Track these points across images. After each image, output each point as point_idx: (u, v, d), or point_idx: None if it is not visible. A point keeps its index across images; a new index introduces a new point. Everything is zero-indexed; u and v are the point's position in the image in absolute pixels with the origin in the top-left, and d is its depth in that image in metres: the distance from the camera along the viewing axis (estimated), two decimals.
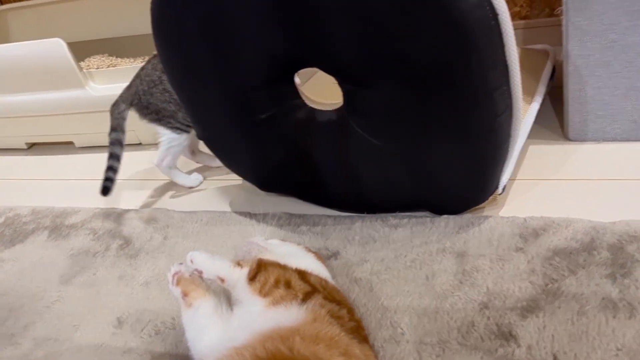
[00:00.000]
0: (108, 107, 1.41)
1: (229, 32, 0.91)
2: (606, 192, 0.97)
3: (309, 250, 0.85)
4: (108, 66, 1.74)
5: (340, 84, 0.90)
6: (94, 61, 1.81)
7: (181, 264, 0.78)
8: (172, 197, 1.28)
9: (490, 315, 0.76)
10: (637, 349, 0.67)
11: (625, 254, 0.80)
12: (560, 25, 1.07)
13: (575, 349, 0.69)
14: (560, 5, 1.03)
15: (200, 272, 0.76)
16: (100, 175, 1.22)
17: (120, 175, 1.24)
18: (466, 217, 0.96)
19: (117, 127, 1.23)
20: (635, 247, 0.81)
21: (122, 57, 1.82)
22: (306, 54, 0.89)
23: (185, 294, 0.75)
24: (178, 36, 0.97)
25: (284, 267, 0.75)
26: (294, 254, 0.82)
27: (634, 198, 0.94)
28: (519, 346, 0.71)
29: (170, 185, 1.32)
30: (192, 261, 0.76)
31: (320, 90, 1.07)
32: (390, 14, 0.75)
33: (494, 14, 0.72)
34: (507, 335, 0.72)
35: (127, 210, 1.22)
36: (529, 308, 0.76)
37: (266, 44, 0.90)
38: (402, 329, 0.77)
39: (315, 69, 0.93)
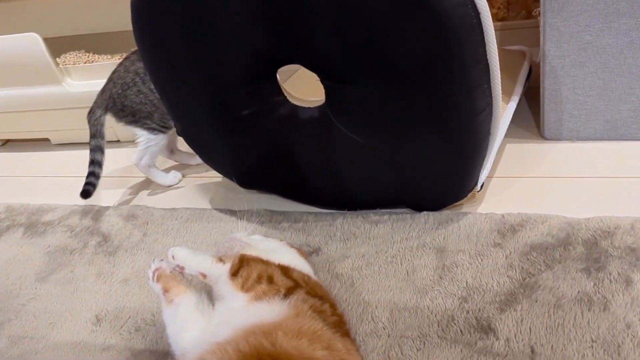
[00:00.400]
0: (85, 104, 1.39)
1: (211, 28, 0.91)
2: (580, 190, 0.99)
3: (292, 246, 0.85)
4: (85, 63, 1.71)
5: (323, 80, 0.90)
6: (70, 57, 1.77)
7: (162, 260, 0.78)
8: (151, 194, 1.27)
9: (470, 309, 0.77)
10: (611, 340, 0.69)
11: (599, 249, 0.82)
12: (536, 27, 1.09)
13: (552, 341, 0.70)
14: (537, 6, 1.05)
15: (182, 268, 0.76)
16: (77, 172, 1.21)
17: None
18: (445, 213, 0.97)
19: (96, 134, 1.22)
20: (609, 242, 0.83)
21: (99, 53, 1.79)
22: (289, 51, 0.89)
23: (166, 290, 0.75)
24: (159, 32, 0.96)
25: (266, 263, 0.75)
26: (276, 249, 0.82)
27: (607, 195, 0.96)
28: (497, 339, 0.72)
29: (149, 183, 1.31)
30: (173, 257, 0.76)
31: (302, 87, 1.07)
32: (374, 11, 0.76)
33: (475, 13, 0.74)
34: (486, 329, 0.74)
35: (106, 207, 1.20)
36: (507, 302, 0.77)
37: (249, 41, 0.90)
38: (383, 323, 0.78)
39: (297, 66, 0.93)
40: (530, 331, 0.72)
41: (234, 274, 0.73)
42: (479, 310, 0.77)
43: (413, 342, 0.74)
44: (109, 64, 1.48)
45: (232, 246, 0.81)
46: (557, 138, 1.15)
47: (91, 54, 1.76)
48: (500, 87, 0.82)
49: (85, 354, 0.82)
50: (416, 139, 0.88)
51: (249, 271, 0.73)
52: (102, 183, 1.25)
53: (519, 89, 1.16)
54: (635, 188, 0.96)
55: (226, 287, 0.72)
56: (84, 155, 1.23)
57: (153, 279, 0.77)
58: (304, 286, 0.73)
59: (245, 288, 0.71)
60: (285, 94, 0.99)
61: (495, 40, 0.77)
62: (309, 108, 0.97)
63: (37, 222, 1.19)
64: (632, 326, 0.70)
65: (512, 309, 0.76)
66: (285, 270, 0.75)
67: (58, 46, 1.73)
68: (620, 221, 0.86)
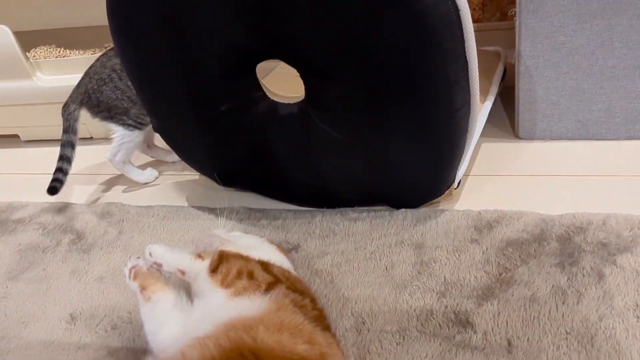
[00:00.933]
0: (56, 99, 1.36)
1: (189, 21, 0.90)
2: (554, 187, 1.02)
3: (271, 242, 0.85)
4: (56, 57, 1.68)
5: (303, 76, 0.90)
6: (40, 52, 1.73)
7: (138, 258, 0.77)
8: (126, 191, 1.25)
9: (448, 303, 0.78)
10: (585, 332, 0.70)
11: (572, 244, 0.84)
12: (510, 29, 1.12)
13: (528, 334, 0.72)
14: (512, 8, 1.07)
15: (160, 265, 0.75)
16: (48, 169, 1.18)
17: (72, 170, 1.20)
18: (423, 210, 0.98)
19: (68, 129, 1.19)
20: (582, 237, 0.85)
21: (70, 48, 1.76)
22: (269, 45, 0.89)
23: (143, 288, 0.74)
24: (135, 25, 0.95)
25: (246, 259, 0.75)
26: (256, 246, 0.82)
27: (579, 192, 0.99)
28: (475, 332, 0.73)
29: (124, 180, 1.28)
30: (150, 254, 0.75)
31: (280, 84, 1.07)
32: (355, 7, 0.76)
33: (455, 9, 0.75)
34: (464, 322, 0.75)
35: (79, 205, 1.18)
36: (484, 296, 0.78)
37: (227, 35, 0.89)
38: (363, 318, 0.78)
39: (274, 64, 0.93)
40: (507, 324, 0.73)
41: (214, 270, 0.72)
42: (457, 304, 0.78)
43: (393, 336, 0.75)
44: (80, 59, 1.46)
45: (211, 242, 0.80)
46: (531, 137, 1.17)
47: (62, 49, 1.72)
48: (478, 84, 0.84)
49: (59, 353, 0.80)
50: (395, 136, 0.89)
51: (228, 267, 0.72)
52: (75, 180, 1.23)
53: (494, 89, 1.18)
54: (605, 185, 0.99)
55: (205, 284, 0.72)
56: (55, 152, 1.20)
57: (130, 277, 0.75)
58: (285, 281, 0.72)
59: (225, 284, 0.71)
60: (264, 90, 0.99)
61: (474, 38, 0.79)
62: (289, 104, 0.97)
63: (7, 220, 1.16)
64: (604, 318, 0.72)
65: (489, 303, 0.77)
66: (265, 265, 0.74)
67: (28, 40, 1.68)
68: (593, 217, 0.88)
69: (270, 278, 0.72)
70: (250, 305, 0.67)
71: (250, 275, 0.72)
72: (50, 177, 1.18)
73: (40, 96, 1.47)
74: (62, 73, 1.44)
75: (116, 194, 1.24)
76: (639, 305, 0.73)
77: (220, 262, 0.73)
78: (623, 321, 0.71)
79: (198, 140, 1.07)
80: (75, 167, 1.21)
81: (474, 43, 0.79)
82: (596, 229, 0.86)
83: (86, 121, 1.49)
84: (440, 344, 0.72)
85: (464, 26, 0.76)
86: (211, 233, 0.83)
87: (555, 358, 0.68)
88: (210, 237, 0.82)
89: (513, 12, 1.06)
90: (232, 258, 0.74)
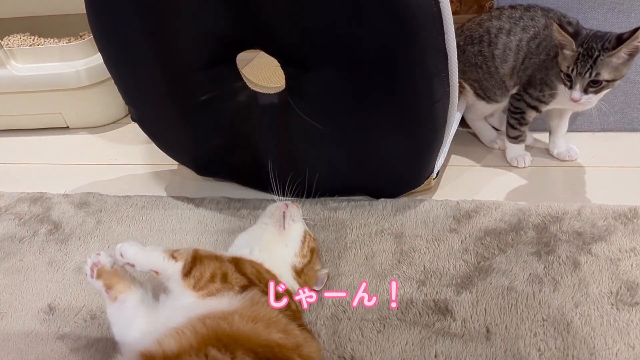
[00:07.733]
0: (31, 88, 1.33)
1: (169, 9, 0.89)
2: (529, 177, 1.03)
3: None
4: (30, 45, 1.64)
5: (283, 66, 0.90)
6: (14, 40, 1.69)
7: (98, 254, 0.72)
8: (104, 181, 1.23)
9: (428, 292, 0.79)
10: (561, 319, 0.72)
11: (549, 234, 0.86)
12: None
13: (506, 321, 0.73)
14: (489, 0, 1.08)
15: (132, 266, 0.71)
16: (23, 159, 1.16)
17: (48, 160, 1.17)
18: (402, 200, 0.99)
19: None
20: (557, 227, 0.87)
21: (45, 36, 1.72)
22: (250, 35, 0.88)
23: (109, 288, 0.71)
24: (113, 14, 0.93)
25: (220, 259, 0.72)
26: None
27: (553, 183, 1.01)
28: (454, 320, 0.74)
29: (102, 170, 1.27)
30: (122, 255, 0.70)
31: (262, 73, 1.06)
32: None
33: (435, 2, 0.75)
34: (443, 310, 0.76)
35: (56, 195, 1.16)
36: (463, 284, 0.80)
37: (207, 24, 0.89)
38: (343, 307, 0.79)
39: (253, 54, 0.93)
40: (486, 312, 0.75)
41: (186, 274, 0.69)
42: (437, 293, 0.79)
43: (373, 324, 0.75)
44: (55, 47, 1.43)
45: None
46: None
47: (37, 37, 1.68)
48: (457, 76, 0.84)
49: (37, 343, 0.79)
50: (375, 127, 0.89)
51: (202, 270, 0.70)
52: (51, 170, 1.20)
53: None
54: (581, 176, 1.01)
55: (178, 286, 0.69)
56: (30, 141, 1.18)
57: (92, 275, 0.72)
58: (258, 284, 0.71)
59: (197, 288, 0.68)
60: (245, 80, 0.98)
61: (453, 30, 0.79)
62: (269, 94, 0.97)
63: None
64: (579, 305, 0.74)
65: (468, 291, 0.78)
66: (239, 266, 0.72)
67: (2, 28, 1.65)
68: (568, 207, 0.90)
69: (243, 281, 0.70)
70: (225, 303, 0.66)
71: (224, 278, 0.70)
72: (26, 167, 1.16)
73: (14, 85, 1.43)
74: (36, 61, 1.41)
75: (94, 184, 1.22)
76: (613, 293, 0.75)
77: (194, 265, 0.70)
78: (598, 308, 0.73)
79: (177, 130, 1.05)
80: (51, 157, 1.19)
81: (454, 35, 0.79)
82: (571, 219, 0.88)
83: (62, 110, 1.47)
84: (420, 332, 0.73)
85: (444, 18, 0.77)
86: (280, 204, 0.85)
87: (533, 344, 0.70)
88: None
89: (491, 5, 1.07)
90: (206, 259, 0.71)
